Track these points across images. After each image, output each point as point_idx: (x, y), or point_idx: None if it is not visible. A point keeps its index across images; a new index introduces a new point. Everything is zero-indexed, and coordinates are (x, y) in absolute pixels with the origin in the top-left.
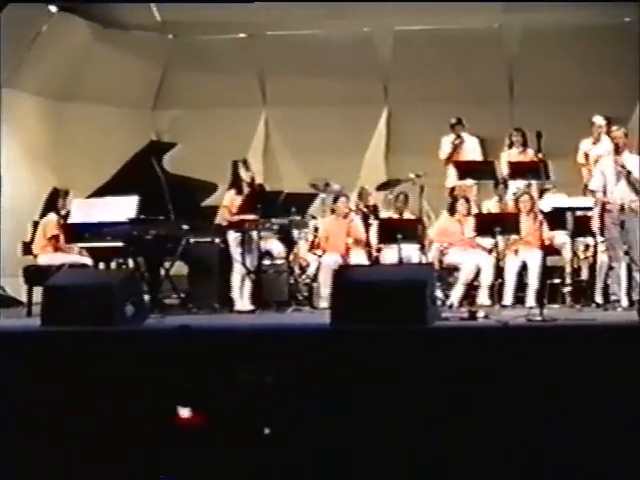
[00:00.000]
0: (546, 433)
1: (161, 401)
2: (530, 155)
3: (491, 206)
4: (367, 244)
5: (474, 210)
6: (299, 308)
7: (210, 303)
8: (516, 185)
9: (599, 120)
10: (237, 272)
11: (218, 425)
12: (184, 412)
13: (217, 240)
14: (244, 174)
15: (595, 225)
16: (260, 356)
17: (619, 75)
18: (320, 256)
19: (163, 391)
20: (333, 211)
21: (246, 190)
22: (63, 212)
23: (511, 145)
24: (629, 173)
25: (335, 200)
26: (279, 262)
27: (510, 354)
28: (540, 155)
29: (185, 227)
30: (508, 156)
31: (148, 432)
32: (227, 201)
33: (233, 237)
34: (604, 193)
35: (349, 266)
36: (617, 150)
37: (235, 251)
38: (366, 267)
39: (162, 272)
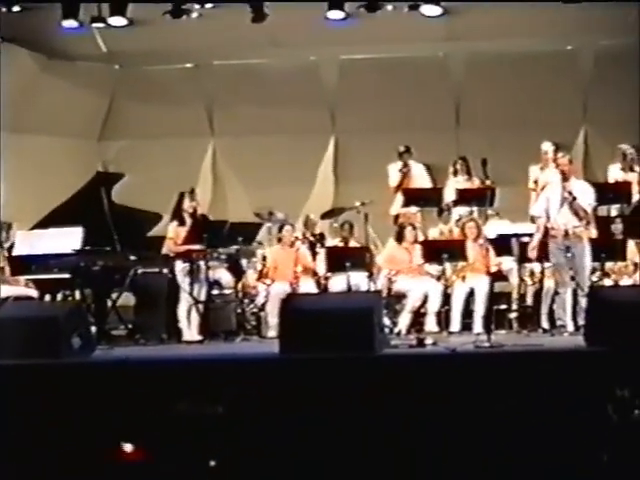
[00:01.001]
0: (494, 459)
1: (105, 435)
2: (476, 182)
3: (438, 233)
4: (315, 272)
5: (421, 237)
6: (247, 337)
7: (158, 334)
8: (459, 212)
9: (547, 146)
10: (185, 302)
11: (162, 458)
12: (127, 447)
13: (165, 270)
14: (187, 205)
15: (536, 251)
16: (207, 387)
17: (563, 102)
18: (269, 285)
19: (107, 425)
20: (280, 240)
21: (189, 221)
22: (7, 245)
23: (455, 173)
24: (574, 199)
25: (280, 229)
26: (228, 292)
27: (459, 380)
28: (488, 182)
29: (132, 258)
30: (455, 183)
31: (91, 467)
32: (171, 233)
33: (180, 267)
34: (547, 218)
35: (297, 295)
36: (564, 177)
37: (183, 281)
38: (314, 295)
39: (109, 303)
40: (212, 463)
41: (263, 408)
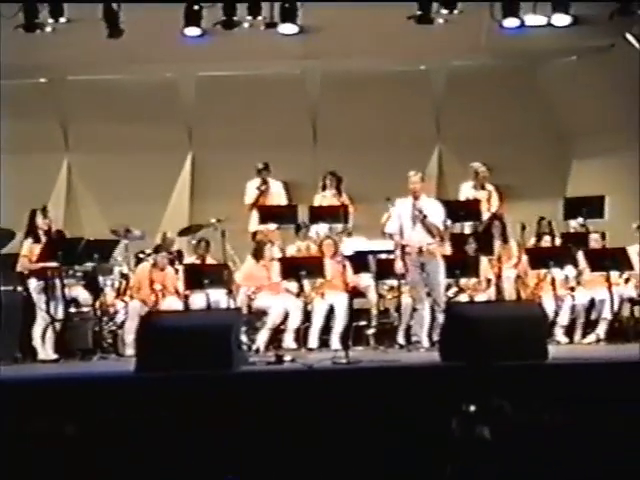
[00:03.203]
0: (350, 473)
1: None
2: (344, 198)
3: (295, 250)
4: (176, 290)
5: (278, 254)
6: (104, 356)
7: (11, 353)
8: (317, 229)
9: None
10: (41, 320)
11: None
12: None
13: (19, 288)
14: (41, 222)
15: (397, 267)
16: (61, 406)
17: (417, 121)
18: (127, 302)
19: None
20: (154, 264)
21: (43, 238)
22: None
23: (324, 187)
24: (425, 217)
25: (157, 251)
26: (86, 309)
27: (316, 397)
28: (342, 199)
29: None
30: (322, 198)
31: None
32: (26, 250)
33: (35, 285)
34: (401, 236)
35: (156, 312)
36: (414, 195)
37: (38, 299)
38: (173, 313)
39: None
40: None
41: (118, 427)
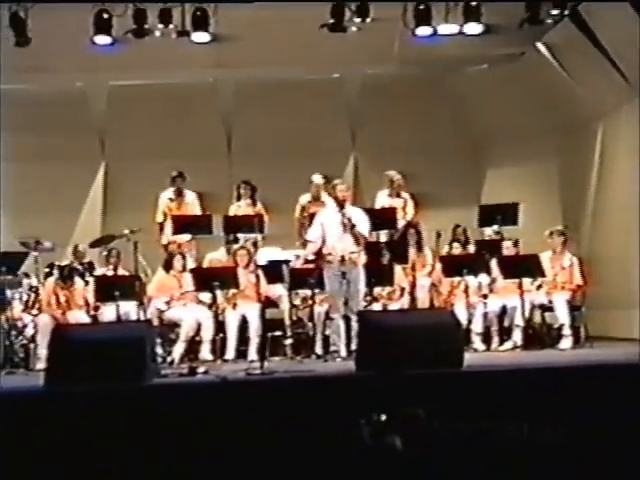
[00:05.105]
0: None
1: None
2: (258, 208)
3: (207, 261)
4: (85, 302)
5: (191, 265)
6: (13, 371)
7: None
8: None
9: (317, 179)
10: None
11: None
12: None
13: None
14: None
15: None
16: None
17: (332, 130)
18: (36, 316)
19: None
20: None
21: None
22: None
23: (239, 197)
24: (353, 226)
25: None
26: None
27: (229, 408)
28: (257, 208)
29: None
30: (237, 208)
31: None
32: None
33: None
34: (323, 243)
35: (67, 325)
36: (341, 204)
37: None
38: (84, 326)
39: None
40: None
41: (26, 443)
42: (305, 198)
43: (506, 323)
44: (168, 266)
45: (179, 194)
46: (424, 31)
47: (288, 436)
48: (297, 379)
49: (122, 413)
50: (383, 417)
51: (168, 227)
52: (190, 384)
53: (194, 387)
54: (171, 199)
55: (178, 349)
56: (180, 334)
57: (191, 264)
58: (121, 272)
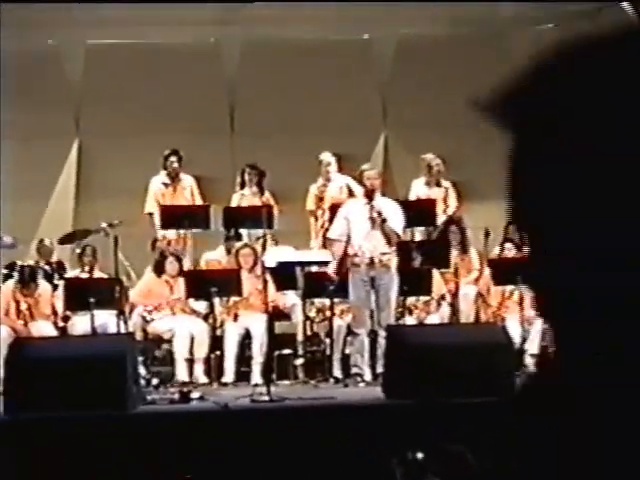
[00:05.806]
0: None
1: None
2: (266, 197)
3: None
4: (53, 311)
5: (186, 267)
6: None
7: None
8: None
9: (327, 157)
10: None
11: None
12: None
13: None
14: None
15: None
16: None
17: (358, 103)
18: None
19: None
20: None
21: None
22: None
23: (243, 184)
24: (384, 221)
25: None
26: None
27: (231, 443)
28: (265, 198)
29: None
30: (240, 198)
31: None
32: None
33: None
34: (347, 243)
35: (28, 339)
36: (370, 194)
37: None
38: (50, 340)
39: None
40: None
41: None
42: (316, 186)
43: None
44: (159, 268)
45: (174, 178)
46: None
47: (302, 477)
48: (312, 408)
49: (100, 448)
50: (419, 455)
51: (157, 219)
52: (183, 412)
53: (189, 416)
54: (165, 184)
55: (180, 371)
56: (175, 353)
57: (188, 267)
58: (97, 274)
